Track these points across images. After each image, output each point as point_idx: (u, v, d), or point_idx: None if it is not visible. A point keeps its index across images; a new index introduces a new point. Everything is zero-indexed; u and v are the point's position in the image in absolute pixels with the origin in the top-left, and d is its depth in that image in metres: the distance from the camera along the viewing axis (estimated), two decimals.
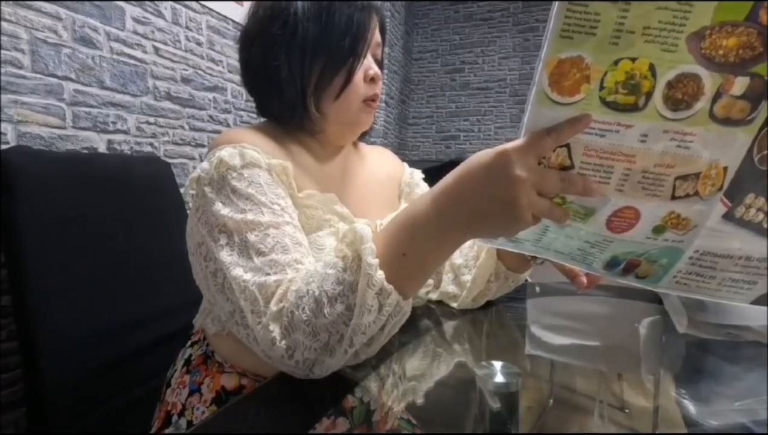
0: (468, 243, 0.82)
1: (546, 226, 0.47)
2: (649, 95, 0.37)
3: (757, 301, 0.48)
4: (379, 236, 0.50)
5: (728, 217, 0.42)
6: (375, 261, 0.47)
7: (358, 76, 0.67)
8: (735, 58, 0.35)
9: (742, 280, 0.46)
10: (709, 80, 0.36)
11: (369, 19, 0.67)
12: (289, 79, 0.66)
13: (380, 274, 0.47)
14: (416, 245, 0.48)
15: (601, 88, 0.37)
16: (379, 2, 0.70)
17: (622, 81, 0.37)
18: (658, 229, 0.44)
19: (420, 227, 0.48)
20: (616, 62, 0.36)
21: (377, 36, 0.71)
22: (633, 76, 0.36)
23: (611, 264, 0.48)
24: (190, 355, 0.71)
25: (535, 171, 0.41)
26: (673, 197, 0.41)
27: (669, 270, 0.47)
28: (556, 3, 0.34)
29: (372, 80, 0.69)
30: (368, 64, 0.69)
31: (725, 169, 0.40)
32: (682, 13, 0.34)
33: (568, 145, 0.40)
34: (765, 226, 0.42)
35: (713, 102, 0.37)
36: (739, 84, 0.36)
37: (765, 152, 0.39)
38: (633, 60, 0.36)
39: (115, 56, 1.33)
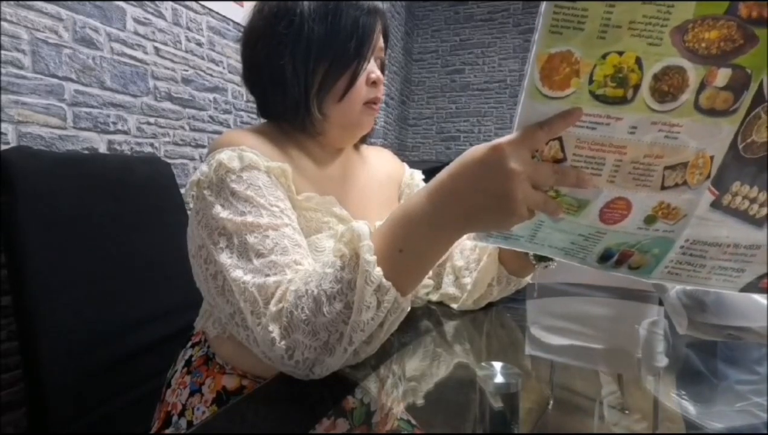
0: (469, 245, 0.82)
1: (540, 221, 0.48)
2: (636, 88, 0.38)
3: (745, 289, 0.49)
4: (376, 234, 0.50)
5: (716, 205, 0.43)
6: (373, 258, 0.48)
7: (361, 78, 0.68)
8: (717, 50, 0.36)
9: (730, 268, 0.47)
10: (693, 72, 0.37)
11: (374, 22, 0.67)
12: (293, 78, 0.66)
13: (378, 271, 0.47)
14: (413, 241, 0.49)
15: (591, 81, 0.38)
16: (379, 3, 0.70)
17: (611, 74, 0.38)
18: (649, 220, 0.44)
19: (416, 223, 0.48)
20: (604, 56, 0.37)
21: (380, 40, 0.71)
22: (621, 69, 0.37)
23: (605, 256, 0.49)
24: (191, 356, 0.71)
25: (529, 164, 0.41)
26: (663, 187, 0.42)
27: (661, 260, 0.48)
28: (545, 0, 0.35)
29: (374, 83, 0.69)
30: (371, 68, 0.69)
31: (712, 158, 0.41)
32: (666, 8, 0.35)
33: (560, 138, 0.41)
34: (751, 213, 0.43)
35: (698, 93, 0.38)
36: (722, 75, 0.37)
37: (749, 141, 0.40)
38: (620, 54, 0.37)
39: (115, 57, 1.33)
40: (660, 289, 0.80)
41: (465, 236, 0.51)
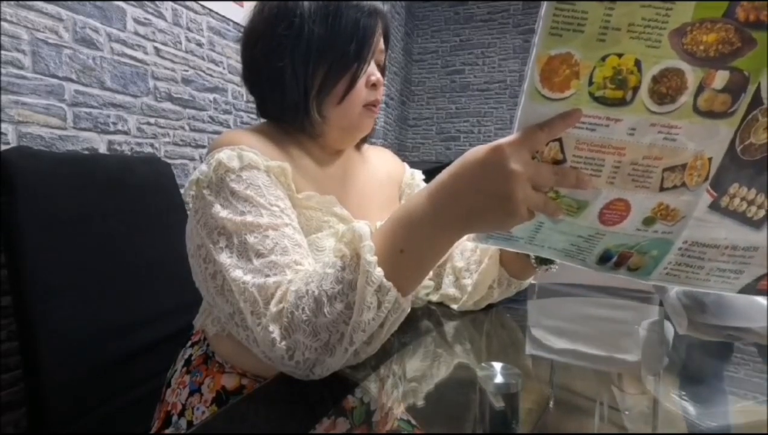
0: (470, 246, 0.83)
1: (540, 223, 0.48)
2: (635, 90, 0.38)
3: (743, 290, 0.49)
4: (377, 234, 0.50)
5: (714, 206, 0.44)
6: (373, 258, 0.48)
7: (361, 81, 0.67)
8: (715, 53, 0.37)
9: (729, 270, 0.47)
10: (692, 74, 0.37)
11: (375, 24, 0.67)
12: (292, 80, 0.66)
13: (379, 271, 0.47)
14: (413, 242, 0.49)
15: (590, 83, 0.38)
16: (380, 4, 0.69)
17: (610, 76, 0.38)
18: (648, 221, 0.45)
19: (417, 224, 0.48)
20: (603, 58, 0.37)
21: (381, 42, 0.71)
22: (620, 71, 0.38)
23: (604, 258, 0.49)
24: (191, 356, 0.71)
25: (529, 165, 0.42)
26: (662, 188, 0.42)
27: (659, 261, 0.48)
28: (545, 2, 0.36)
29: (374, 86, 0.69)
30: (371, 70, 0.69)
31: (710, 160, 0.41)
32: (664, 11, 0.35)
33: (560, 140, 0.41)
34: (749, 215, 0.44)
35: (696, 95, 0.38)
36: (720, 78, 0.38)
37: (747, 143, 0.40)
38: (620, 56, 0.37)
39: (115, 57, 1.33)
40: (660, 290, 0.80)
41: (465, 237, 0.51)
